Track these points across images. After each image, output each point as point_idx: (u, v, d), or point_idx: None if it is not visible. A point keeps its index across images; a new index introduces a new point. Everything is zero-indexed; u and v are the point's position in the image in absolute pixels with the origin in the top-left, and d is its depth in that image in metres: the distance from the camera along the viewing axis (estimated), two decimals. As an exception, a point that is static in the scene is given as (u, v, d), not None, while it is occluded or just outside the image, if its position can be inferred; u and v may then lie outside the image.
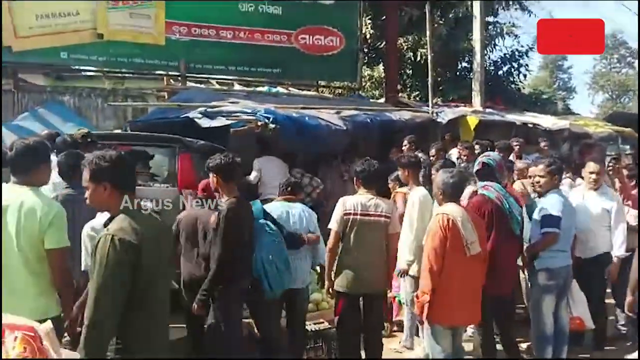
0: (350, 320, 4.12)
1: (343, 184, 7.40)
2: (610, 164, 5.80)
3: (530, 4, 15.88)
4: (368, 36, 13.49)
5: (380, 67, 13.44)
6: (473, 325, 4.15)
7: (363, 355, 4.28)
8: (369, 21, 13.43)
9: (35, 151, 2.89)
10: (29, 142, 2.97)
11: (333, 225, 4.05)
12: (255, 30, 9.82)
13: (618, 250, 4.61)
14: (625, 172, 5.53)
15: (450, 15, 13.72)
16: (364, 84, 13.15)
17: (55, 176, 3.71)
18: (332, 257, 4.07)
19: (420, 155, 6.76)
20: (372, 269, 4.03)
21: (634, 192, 5.19)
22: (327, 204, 7.58)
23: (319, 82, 11.21)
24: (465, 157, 6.43)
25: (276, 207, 4.37)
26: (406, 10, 12.79)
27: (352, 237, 4.01)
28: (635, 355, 4.08)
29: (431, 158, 6.66)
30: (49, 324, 1.90)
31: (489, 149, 6.99)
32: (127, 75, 9.78)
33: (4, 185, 2.92)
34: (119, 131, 7.84)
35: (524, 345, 4.46)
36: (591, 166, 4.85)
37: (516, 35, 15.42)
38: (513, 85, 15.22)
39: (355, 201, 4.04)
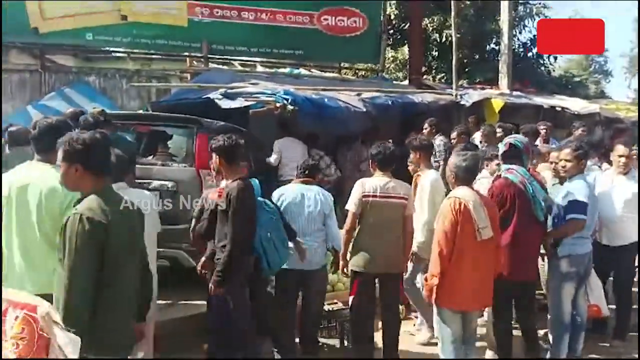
0: (365, 301, 4.14)
1: (360, 166, 7.39)
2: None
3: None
4: (392, 17, 13.28)
5: (405, 48, 13.23)
6: (489, 310, 4.12)
7: (376, 337, 4.31)
8: (394, 1, 13.19)
9: (58, 130, 2.89)
10: (52, 120, 3.02)
11: (351, 206, 4.06)
12: (277, 11, 9.76)
13: None
14: None
15: (478, -5, 13.40)
16: (387, 65, 12.99)
17: None
18: (348, 238, 4.10)
19: (441, 138, 6.71)
20: (389, 250, 4.05)
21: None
22: (344, 186, 7.62)
23: (341, 63, 11.09)
24: (485, 140, 6.26)
25: (292, 190, 4.38)
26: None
27: (369, 219, 4.02)
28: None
29: (452, 141, 6.56)
30: (45, 307, 1.91)
31: (512, 132, 6.85)
32: (152, 56, 9.88)
33: (27, 162, 2.98)
34: (140, 112, 7.94)
35: (540, 332, 4.39)
36: (620, 149, 4.67)
37: (546, 16, 14.94)
38: (543, 68, 14.80)
39: (374, 183, 4.05)
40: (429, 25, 13.22)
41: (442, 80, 12.94)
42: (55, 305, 2.16)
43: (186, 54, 9.61)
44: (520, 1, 14.60)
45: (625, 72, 36.06)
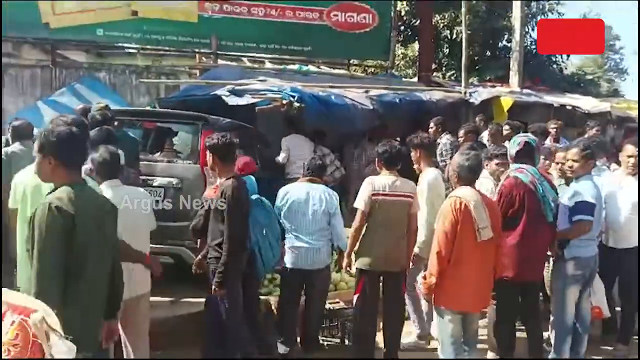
0: (370, 299, 4.15)
1: (367, 164, 7.37)
2: None
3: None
4: (403, 13, 13.19)
5: (415, 45, 13.14)
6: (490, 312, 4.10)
7: (378, 337, 4.31)
8: (405, -2, 13.13)
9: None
10: (67, 120, 3.04)
11: (360, 204, 4.05)
12: (286, 7, 9.75)
13: None
14: None
15: (490, -8, 13.26)
16: (397, 62, 12.92)
17: None
18: (357, 236, 4.09)
19: (447, 137, 6.65)
20: (395, 248, 4.07)
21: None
22: (350, 184, 7.61)
23: (351, 60, 11.05)
24: (491, 139, 6.19)
25: (298, 188, 4.40)
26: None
27: (378, 217, 4.03)
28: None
29: (460, 139, 6.51)
30: (39, 313, 1.87)
31: (520, 130, 6.78)
32: (163, 52, 9.93)
33: None
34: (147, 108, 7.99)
35: (545, 335, 4.36)
36: (629, 149, 4.56)
37: (560, 13, 14.75)
38: (555, 66, 14.63)
39: (382, 181, 4.06)
40: (439, 21, 13.13)
41: (453, 78, 12.85)
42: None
43: (196, 50, 9.65)
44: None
45: (640, 70, 35.57)
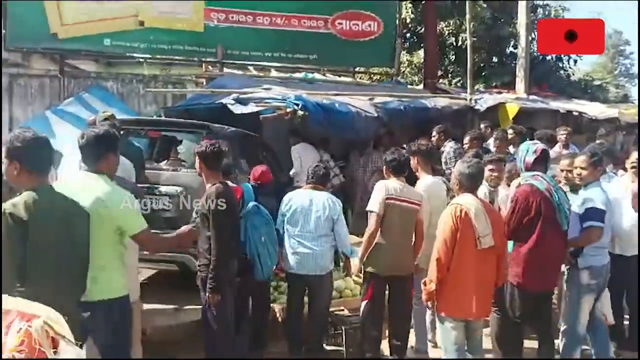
0: (378, 305, 4.17)
1: (373, 171, 7.39)
2: None
3: (583, -15, 15.11)
4: (408, 20, 13.22)
5: (421, 52, 13.17)
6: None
7: (383, 344, 4.30)
8: (410, 5, 13.15)
9: (104, 140, 2.97)
10: (99, 131, 3.05)
11: (375, 207, 4.06)
12: (292, 16, 9.81)
13: None
14: None
15: (495, -2, 13.26)
16: (403, 69, 12.93)
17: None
18: (371, 240, 4.08)
19: (450, 145, 6.65)
20: (405, 252, 4.11)
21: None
22: (354, 190, 7.63)
23: (356, 68, 11.08)
24: (496, 148, 6.17)
25: (301, 194, 4.44)
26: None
27: (389, 221, 4.05)
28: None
29: (465, 146, 6.50)
30: (39, 321, 1.89)
31: (524, 134, 6.76)
32: (171, 61, 10.02)
33: (76, 172, 3.08)
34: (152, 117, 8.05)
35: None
36: (634, 156, 4.57)
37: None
38: (562, 72, 14.57)
39: (395, 186, 4.10)
40: (445, 28, 13.14)
41: (459, 85, 12.84)
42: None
43: (202, 59, 9.73)
44: (538, 3, 14.43)
45: (650, 74, 35.30)
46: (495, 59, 14.02)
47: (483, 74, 13.37)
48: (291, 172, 6.89)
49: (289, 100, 6.85)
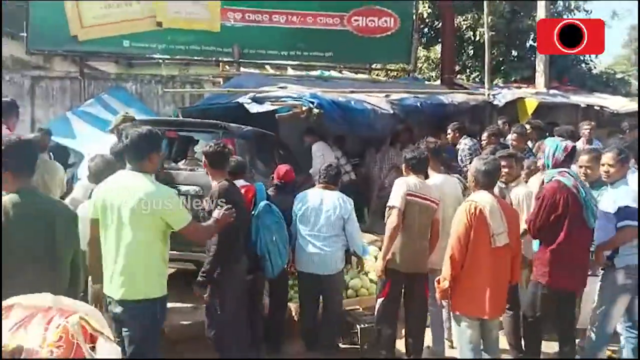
0: (395, 302, 4.16)
1: (390, 168, 7.37)
2: None
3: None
4: (425, 15, 13.11)
5: (438, 47, 13.04)
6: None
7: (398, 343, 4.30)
8: (427, 0, 13.04)
9: (147, 140, 3.05)
10: (143, 130, 3.12)
11: (396, 202, 4.00)
12: (308, 13, 9.81)
13: None
14: None
15: (515, -8, 13.06)
16: (420, 65, 12.82)
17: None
18: (394, 235, 4.00)
19: (465, 142, 6.58)
20: (423, 250, 4.09)
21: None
22: (371, 188, 7.61)
23: (372, 64, 11.04)
24: (514, 143, 6.07)
25: (313, 194, 4.46)
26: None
27: (409, 217, 4.03)
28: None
29: (483, 142, 6.43)
30: (75, 318, 1.93)
31: (542, 129, 6.65)
32: (188, 61, 10.12)
33: (119, 172, 3.14)
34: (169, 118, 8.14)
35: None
36: None
37: (587, 11, 14.42)
38: (584, 65, 14.29)
39: (415, 183, 4.08)
40: (462, 23, 12.99)
41: (477, 80, 12.69)
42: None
43: (219, 59, 9.80)
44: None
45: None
46: (514, 53, 13.80)
47: (502, 68, 13.18)
48: (311, 171, 6.89)
49: (304, 98, 6.85)
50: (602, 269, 3.93)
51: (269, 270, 4.02)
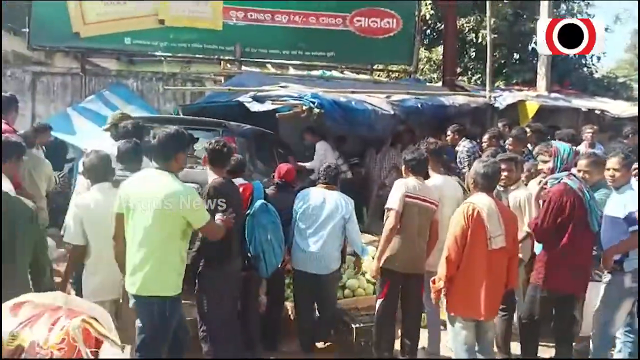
0: (394, 303, 4.16)
1: (390, 169, 7.36)
2: None
3: (609, -19, 14.78)
4: (428, 17, 13.10)
5: (440, 49, 13.03)
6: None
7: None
8: (429, 1, 13.03)
9: (175, 140, 3.13)
10: (171, 131, 3.20)
11: (394, 205, 4.02)
12: (310, 13, 9.81)
13: None
14: None
15: (517, -6, 13.04)
16: (422, 66, 12.82)
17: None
18: (390, 237, 4.02)
19: (464, 144, 6.58)
20: (421, 251, 4.10)
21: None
22: (371, 188, 7.60)
23: (374, 65, 11.03)
24: (510, 147, 6.01)
25: (315, 193, 4.46)
26: (468, -10, 12.31)
27: (407, 219, 4.03)
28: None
29: (483, 144, 6.42)
30: (76, 321, 1.90)
31: (542, 132, 6.64)
32: (190, 59, 10.12)
33: (145, 170, 3.22)
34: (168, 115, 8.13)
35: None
36: None
37: (589, 15, 14.41)
38: (585, 69, 14.27)
39: (414, 184, 4.08)
40: (465, 25, 12.98)
41: (479, 82, 12.67)
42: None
43: (220, 57, 9.80)
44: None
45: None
46: (516, 56, 13.78)
47: (504, 71, 13.17)
48: (308, 165, 6.87)
49: (305, 98, 6.85)
50: (608, 273, 3.92)
51: (263, 270, 4.01)
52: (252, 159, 5.62)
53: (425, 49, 13.43)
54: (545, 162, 4.08)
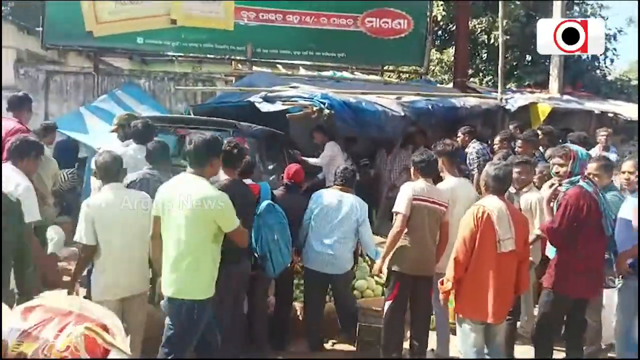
0: (403, 305, 4.17)
1: (401, 170, 7.34)
2: None
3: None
4: (439, 18, 13.05)
5: (451, 50, 12.97)
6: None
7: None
8: (441, 2, 12.97)
9: (210, 146, 3.21)
10: (207, 136, 3.27)
11: (401, 208, 4.03)
12: (321, 14, 9.81)
13: None
14: None
15: (530, -4, 12.95)
16: (433, 67, 12.77)
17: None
18: (396, 240, 4.04)
19: (474, 146, 6.55)
20: (430, 253, 4.10)
21: None
22: (380, 190, 7.59)
23: (385, 66, 11.01)
24: (520, 150, 5.96)
25: (330, 194, 4.50)
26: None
27: (416, 221, 4.03)
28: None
29: (495, 147, 6.39)
30: (79, 328, 1.91)
31: (553, 134, 6.59)
32: (201, 59, 10.16)
33: (181, 174, 3.27)
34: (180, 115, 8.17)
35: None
36: None
37: (603, 17, 14.26)
38: (598, 71, 14.13)
39: (422, 187, 4.08)
40: (477, 26, 12.92)
41: (490, 84, 12.60)
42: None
43: (232, 57, 9.83)
44: (575, 1, 14.04)
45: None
46: (528, 58, 13.68)
47: (515, 72, 13.08)
48: (312, 160, 6.85)
49: (315, 98, 6.85)
50: (622, 277, 3.90)
51: (270, 270, 4.02)
52: (262, 160, 5.64)
53: (436, 50, 13.37)
54: (561, 165, 4.03)
